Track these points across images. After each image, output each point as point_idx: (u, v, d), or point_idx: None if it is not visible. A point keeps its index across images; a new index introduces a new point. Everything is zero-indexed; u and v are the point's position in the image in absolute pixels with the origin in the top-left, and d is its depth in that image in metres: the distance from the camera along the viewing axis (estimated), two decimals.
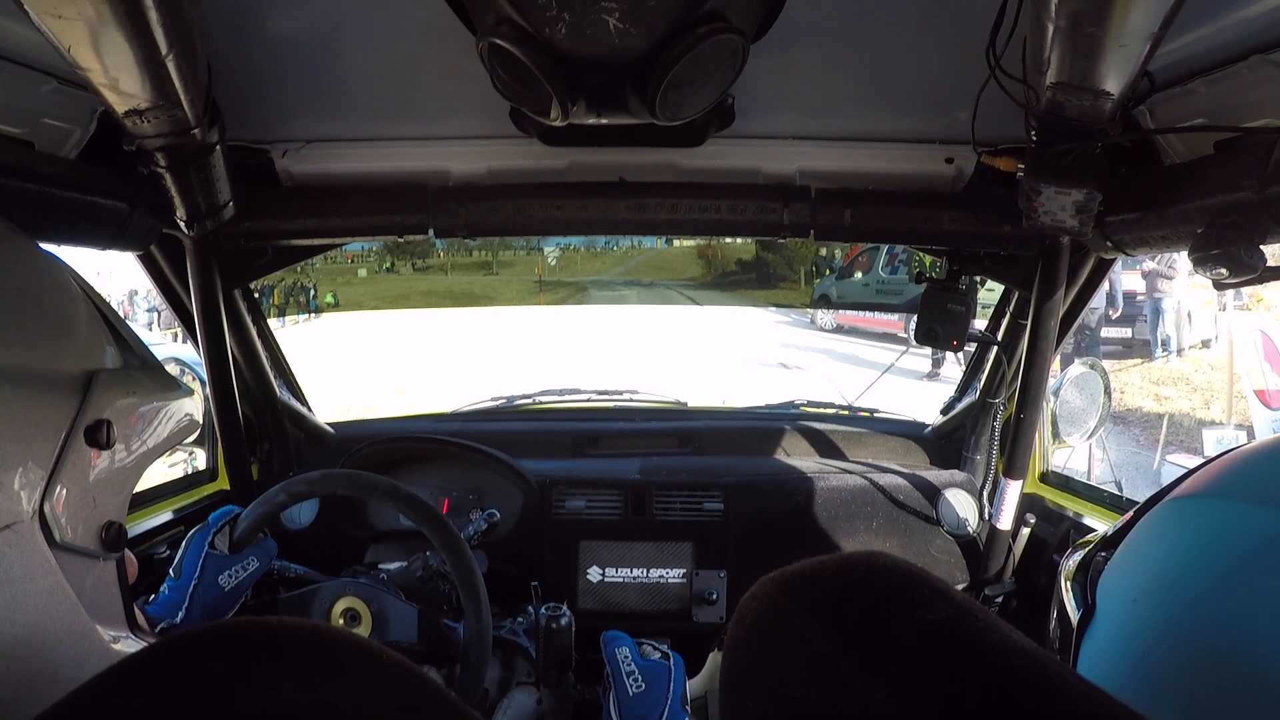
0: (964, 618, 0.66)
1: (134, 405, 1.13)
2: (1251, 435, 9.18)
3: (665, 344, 18.23)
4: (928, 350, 14.17)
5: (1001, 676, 0.61)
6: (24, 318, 1.03)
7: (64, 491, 1.01)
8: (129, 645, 1.19)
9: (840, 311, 21.63)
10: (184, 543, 2.05)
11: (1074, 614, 1.14)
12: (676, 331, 19.97)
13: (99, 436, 1.05)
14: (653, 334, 19.54)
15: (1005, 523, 2.81)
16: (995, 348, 3.01)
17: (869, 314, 20.65)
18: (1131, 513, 1.18)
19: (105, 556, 1.14)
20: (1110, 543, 1.16)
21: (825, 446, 3.48)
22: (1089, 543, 1.27)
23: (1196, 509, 1.03)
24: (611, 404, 3.89)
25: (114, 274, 17.87)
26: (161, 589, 1.99)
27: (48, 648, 1.00)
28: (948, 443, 3.40)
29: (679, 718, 1.88)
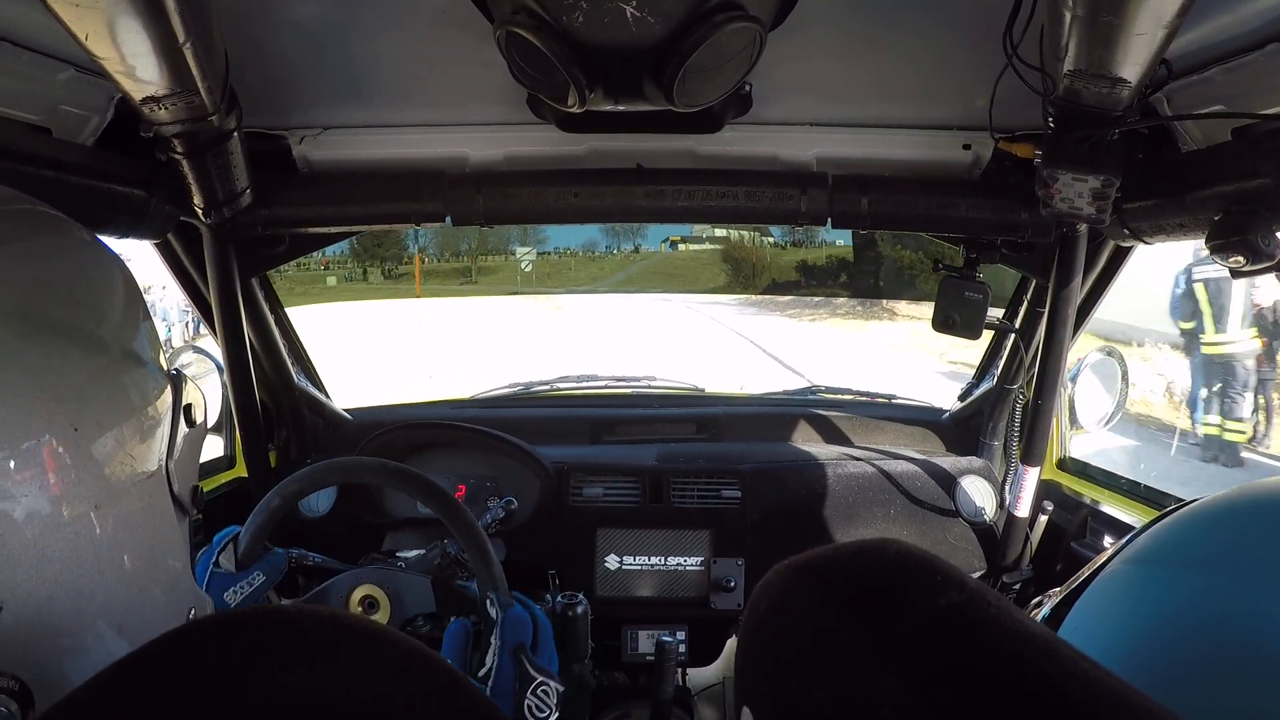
0: (977, 604, 0.66)
1: (197, 395, 1.25)
2: None
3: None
4: None
5: (1015, 661, 0.61)
6: (129, 308, 1.13)
7: (177, 454, 1.16)
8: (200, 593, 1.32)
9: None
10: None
11: None
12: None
13: (191, 416, 1.21)
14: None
15: (1023, 510, 2.80)
16: (1013, 334, 3.01)
17: None
18: (1085, 572, 1.17)
19: (192, 514, 1.26)
20: (1065, 603, 1.16)
21: (842, 433, 3.48)
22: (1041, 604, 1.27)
23: (1149, 574, 1.04)
24: (629, 390, 3.88)
25: None
26: None
27: (160, 581, 1.13)
28: (965, 429, 3.39)
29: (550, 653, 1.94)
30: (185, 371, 1.23)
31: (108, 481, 0.99)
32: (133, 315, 1.11)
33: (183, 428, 1.18)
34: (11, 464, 0.88)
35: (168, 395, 1.14)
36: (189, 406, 1.20)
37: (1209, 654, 0.89)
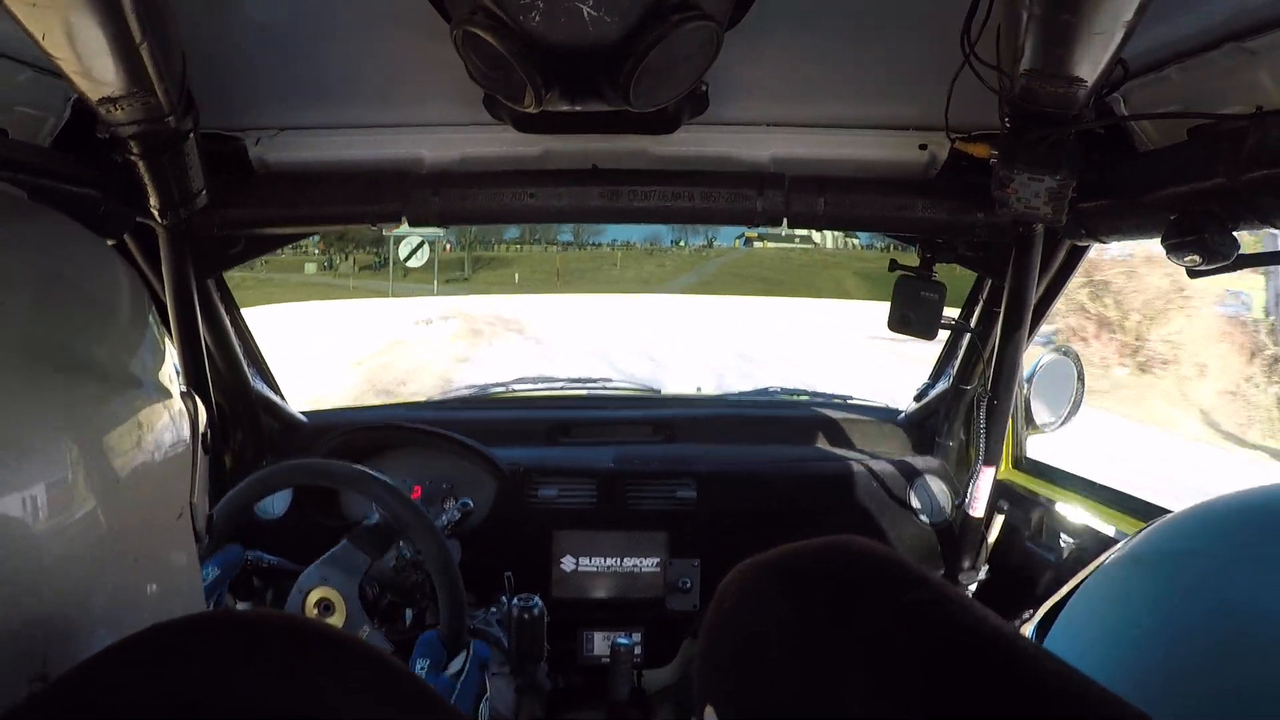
0: (941, 600, 0.67)
1: (203, 413, 1.23)
2: None
3: None
4: None
5: (978, 657, 0.62)
6: (142, 331, 1.11)
7: (197, 487, 1.15)
8: None
9: None
10: None
11: None
12: None
13: (206, 443, 1.18)
14: None
15: (978, 510, 2.82)
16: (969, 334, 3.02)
17: None
18: (1071, 584, 1.18)
19: (205, 541, 1.24)
20: (1052, 614, 1.17)
21: (799, 433, 3.49)
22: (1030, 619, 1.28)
23: (1146, 571, 1.05)
24: (585, 391, 3.89)
25: None
26: None
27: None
28: (922, 429, 3.41)
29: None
30: None
31: (139, 531, 0.98)
32: (140, 326, 1.09)
33: (199, 455, 1.16)
34: (38, 516, 0.86)
35: (186, 425, 1.12)
36: (203, 434, 1.18)
37: (1215, 646, 0.90)
